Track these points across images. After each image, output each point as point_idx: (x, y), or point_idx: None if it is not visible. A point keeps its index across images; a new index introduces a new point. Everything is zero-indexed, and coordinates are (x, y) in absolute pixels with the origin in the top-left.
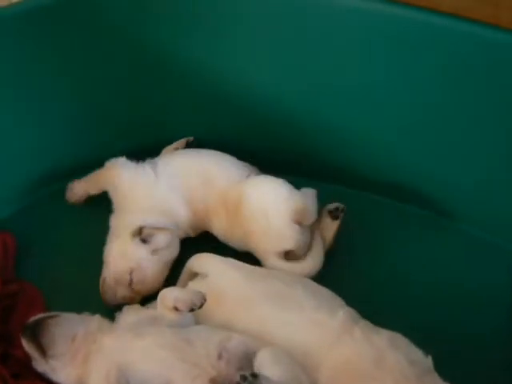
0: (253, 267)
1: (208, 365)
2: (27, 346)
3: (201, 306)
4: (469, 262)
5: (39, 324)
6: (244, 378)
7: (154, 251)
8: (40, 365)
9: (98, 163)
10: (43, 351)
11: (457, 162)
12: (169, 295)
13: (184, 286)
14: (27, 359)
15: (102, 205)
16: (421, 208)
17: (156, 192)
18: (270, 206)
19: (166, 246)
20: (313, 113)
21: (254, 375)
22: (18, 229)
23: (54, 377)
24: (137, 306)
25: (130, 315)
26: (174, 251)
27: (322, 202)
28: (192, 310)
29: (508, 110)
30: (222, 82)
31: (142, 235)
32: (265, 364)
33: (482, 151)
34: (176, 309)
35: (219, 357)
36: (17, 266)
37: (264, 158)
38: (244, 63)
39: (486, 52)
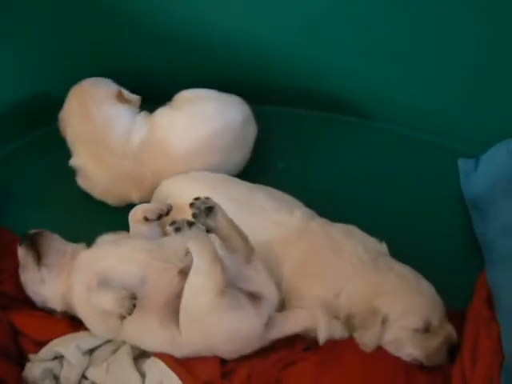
0: (213, 174)
1: (177, 260)
2: (24, 252)
3: (168, 213)
4: (400, 157)
5: (39, 234)
6: (196, 198)
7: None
8: (31, 274)
9: None
10: (38, 258)
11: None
12: (138, 208)
13: None
14: (14, 293)
15: None
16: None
17: None
18: None
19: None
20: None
21: (207, 197)
22: None
23: (41, 290)
24: None
25: (107, 236)
26: None
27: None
28: (160, 216)
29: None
30: (203, 30)
31: None
32: None
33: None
34: (146, 218)
35: (186, 253)
36: None
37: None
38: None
39: None
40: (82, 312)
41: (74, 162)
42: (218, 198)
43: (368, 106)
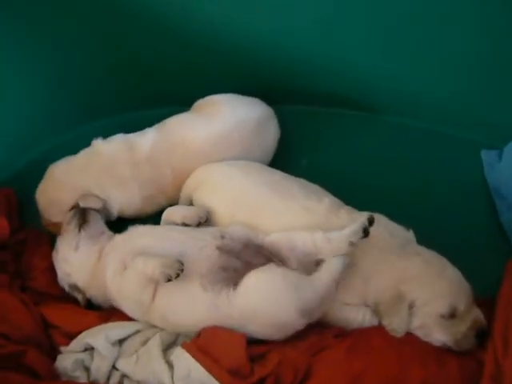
0: (248, 162)
1: (213, 239)
2: (72, 214)
3: (206, 220)
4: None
5: (89, 209)
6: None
7: None
8: (69, 238)
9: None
10: (84, 222)
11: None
12: (176, 213)
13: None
14: (45, 289)
15: None
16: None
17: None
18: None
19: None
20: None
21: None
22: (15, 187)
23: (71, 257)
24: None
25: (139, 225)
26: None
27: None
28: (199, 224)
29: None
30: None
31: None
32: None
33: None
34: (184, 224)
35: (222, 237)
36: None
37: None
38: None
39: None
40: (115, 288)
41: (111, 207)
42: (251, 183)
43: (385, 100)
